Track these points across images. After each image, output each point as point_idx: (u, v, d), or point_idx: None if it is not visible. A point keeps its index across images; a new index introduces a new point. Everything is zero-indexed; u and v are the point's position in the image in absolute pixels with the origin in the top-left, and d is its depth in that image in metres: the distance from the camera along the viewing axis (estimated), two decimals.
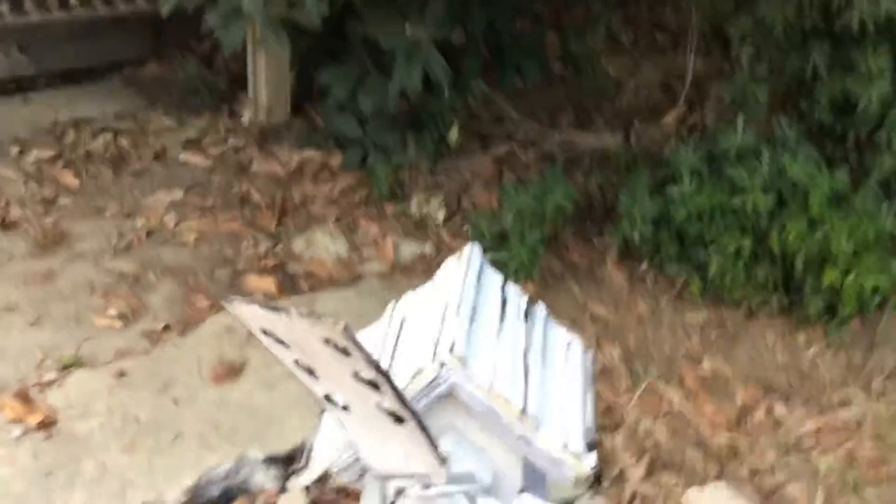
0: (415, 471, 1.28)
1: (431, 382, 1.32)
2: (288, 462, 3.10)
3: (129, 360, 3.34)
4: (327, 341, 1.04)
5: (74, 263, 3.85)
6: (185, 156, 4.65)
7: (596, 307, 3.81)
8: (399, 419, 1.17)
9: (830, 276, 3.52)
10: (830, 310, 3.62)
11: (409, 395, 1.27)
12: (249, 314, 1.07)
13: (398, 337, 1.48)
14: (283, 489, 3.05)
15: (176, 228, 4.13)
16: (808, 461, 3.17)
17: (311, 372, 1.15)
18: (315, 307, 3.73)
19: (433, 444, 1.22)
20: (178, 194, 4.36)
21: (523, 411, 1.35)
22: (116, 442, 2.98)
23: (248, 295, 3.82)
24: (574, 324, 3.61)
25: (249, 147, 4.70)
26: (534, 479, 1.49)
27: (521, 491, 1.44)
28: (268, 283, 3.88)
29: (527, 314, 1.57)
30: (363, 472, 1.42)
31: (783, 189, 3.64)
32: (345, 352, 1.06)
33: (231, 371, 3.34)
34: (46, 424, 2.98)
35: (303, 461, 1.45)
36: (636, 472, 3.11)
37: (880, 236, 3.54)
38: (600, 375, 3.54)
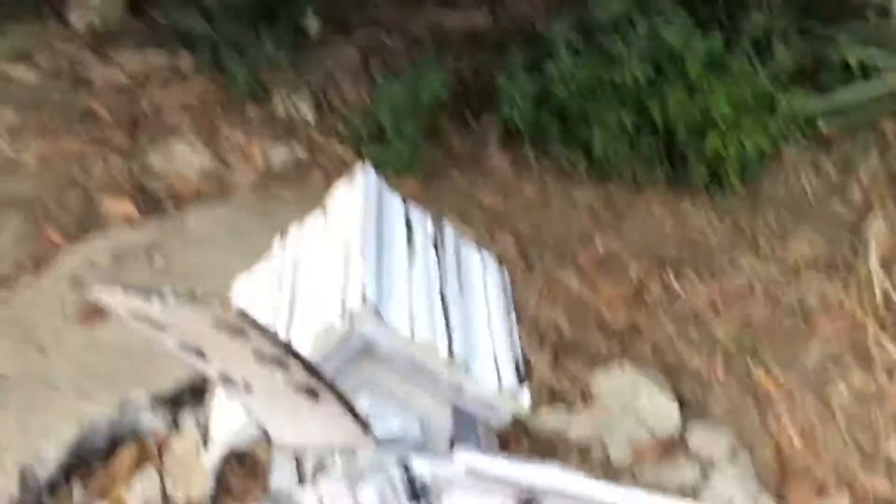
0: (335, 442, 1.10)
1: (343, 340, 1.13)
2: (175, 401, 2.88)
3: None
4: (217, 324, 0.83)
5: None
6: (10, 69, 4.13)
7: (483, 196, 3.67)
8: (312, 393, 0.99)
9: (713, 142, 3.48)
10: (714, 177, 3.60)
11: (317, 356, 1.09)
12: (115, 301, 0.85)
13: (293, 286, 1.28)
14: (174, 429, 2.85)
15: (13, 155, 3.69)
16: (707, 330, 3.19)
17: (199, 353, 0.94)
18: (186, 227, 3.44)
19: (354, 413, 1.05)
20: (9, 115, 3.89)
21: (450, 356, 1.18)
22: None
23: (106, 221, 3.49)
24: (462, 216, 3.47)
25: (85, 55, 4.22)
26: (462, 421, 1.34)
27: (452, 439, 1.30)
28: (126, 207, 3.54)
29: (434, 239, 1.39)
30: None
31: (660, 57, 3.54)
32: (240, 332, 0.85)
33: (98, 309, 3.04)
34: None
35: (200, 437, 1.25)
36: (541, 362, 3.05)
37: (758, 97, 3.51)
38: None
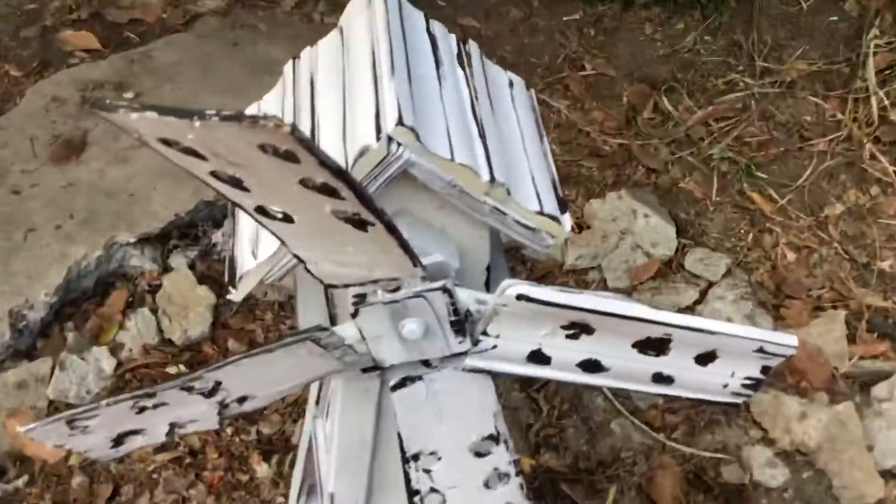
0: (381, 276, 1.03)
1: (380, 164, 1.04)
2: (164, 240, 2.80)
3: None
4: (264, 147, 0.73)
5: None
6: None
7: (465, 20, 3.49)
8: (361, 224, 0.91)
9: None
10: None
11: None
12: (143, 124, 0.74)
13: (314, 110, 1.17)
14: (165, 269, 2.78)
15: None
16: (701, 152, 3.13)
17: (237, 184, 0.85)
18: (153, 61, 3.24)
19: (405, 244, 0.97)
20: None
21: (492, 180, 1.10)
22: None
23: (66, 55, 3.28)
24: None
25: None
26: (496, 252, 1.28)
27: (488, 268, 1.24)
28: (88, 39, 3.32)
29: (460, 57, 1.28)
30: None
31: None
32: (290, 157, 0.75)
33: (71, 148, 2.90)
34: None
35: (226, 276, 1.18)
36: None
37: None
38: None
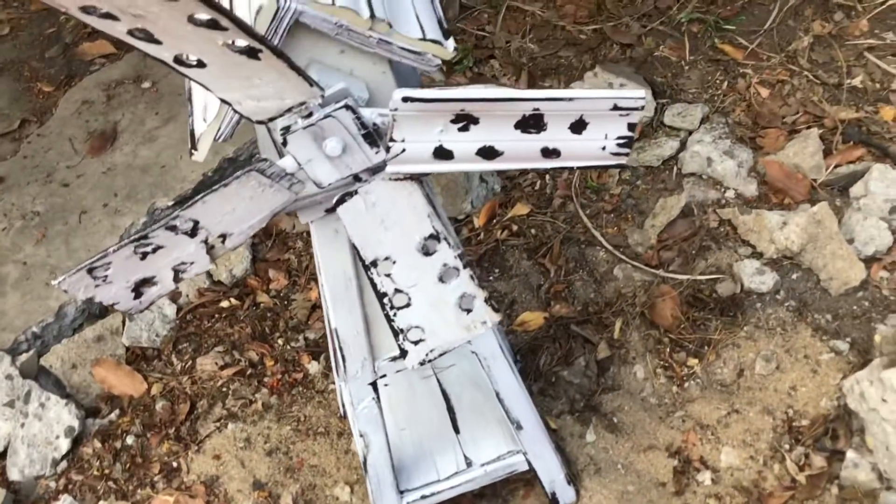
0: (291, 103, 1.32)
1: (275, 17, 1.31)
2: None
3: (1, 165, 3.24)
4: None
5: None
6: None
7: None
8: (254, 53, 1.19)
9: None
10: None
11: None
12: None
13: None
14: None
15: None
16: (671, 20, 3.31)
17: (150, 38, 1.14)
18: None
19: (297, 68, 1.25)
20: None
21: (372, 16, 1.36)
22: (26, 239, 2.96)
23: (87, 63, 3.65)
24: None
25: None
26: (406, 82, 1.54)
27: None
28: (104, 46, 3.68)
29: None
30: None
31: None
32: None
33: (105, 139, 3.27)
34: None
35: (189, 145, 1.47)
36: (520, 87, 3.22)
37: None
38: (461, 9, 3.55)
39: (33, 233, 2.98)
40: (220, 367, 2.68)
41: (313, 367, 2.65)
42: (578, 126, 1.41)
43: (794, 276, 2.54)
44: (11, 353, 2.65)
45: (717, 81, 3.10)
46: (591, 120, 1.41)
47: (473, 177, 2.94)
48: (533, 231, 2.84)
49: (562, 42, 3.39)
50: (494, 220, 2.90)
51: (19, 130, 3.41)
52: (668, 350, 2.49)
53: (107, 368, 2.70)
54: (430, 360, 1.67)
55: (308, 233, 3.03)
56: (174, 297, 2.91)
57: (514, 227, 2.85)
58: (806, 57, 3.07)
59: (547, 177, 2.98)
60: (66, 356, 2.69)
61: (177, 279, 1.50)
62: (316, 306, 2.81)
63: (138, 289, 1.49)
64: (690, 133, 2.92)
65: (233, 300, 2.86)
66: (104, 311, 2.91)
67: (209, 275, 2.94)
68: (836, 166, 2.72)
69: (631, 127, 1.42)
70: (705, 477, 2.25)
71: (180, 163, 3.14)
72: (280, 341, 2.73)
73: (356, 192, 1.47)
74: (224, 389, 2.64)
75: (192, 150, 1.46)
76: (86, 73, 3.59)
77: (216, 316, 2.83)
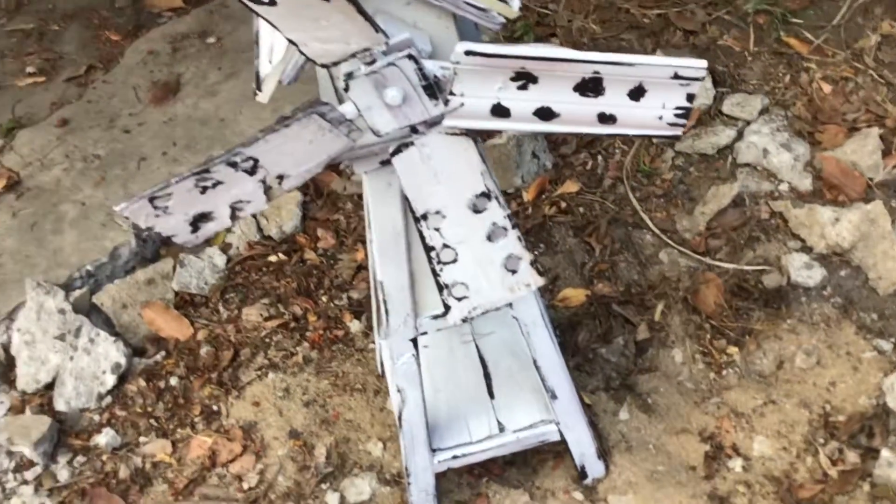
0: (356, 48, 1.34)
1: None
2: None
3: (66, 108, 3.32)
4: None
5: None
6: None
7: None
8: None
9: None
10: None
11: None
12: None
13: None
14: None
15: None
16: (737, 10, 3.28)
17: None
18: (229, 7, 3.64)
19: (365, 13, 1.28)
20: None
21: None
22: (86, 181, 3.05)
23: (155, 16, 3.72)
24: None
25: None
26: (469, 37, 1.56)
27: None
28: (174, 0, 3.76)
29: None
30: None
31: None
32: None
33: (168, 90, 3.34)
34: (12, 185, 3.03)
35: (254, 86, 1.51)
36: None
37: None
38: None
39: (93, 175, 3.06)
40: (265, 319, 2.74)
41: (355, 326, 2.69)
42: (637, 93, 1.42)
43: (843, 273, 2.52)
44: (65, 289, 2.73)
45: (780, 74, 3.07)
46: (650, 87, 1.42)
47: (525, 151, 2.96)
48: (581, 209, 2.85)
49: (624, 24, 3.37)
50: (543, 196, 2.91)
51: (85, 76, 3.49)
52: (708, 336, 2.49)
53: (156, 311, 2.77)
54: (471, 318, 1.69)
55: (358, 196, 3.07)
56: (225, 248, 2.98)
57: (563, 205, 2.86)
58: (872, 55, 3.02)
59: (599, 157, 2.99)
60: (117, 296, 2.76)
61: (233, 217, 1.55)
62: (361, 267, 2.86)
63: (196, 223, 1.54)
64: (748, 123, 2.90)
65: (281, 255, 2.92)
66: (156, 255, 2.98)
67: (259, 229, 3.00)
68: (894, 167, 2.68)
69: (690, 98, 1.43)
70: (736, 464, 2.26)
71: (239, 117, 3.20)
72: (324, 298, 2.78)
73: (412, 144, 1.50)
74: (267, 340, 2.69)
75: (257, 91, 1.50)
76: (153, 25, 3.66)
77: (264, 269, 2.89)
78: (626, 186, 2.87)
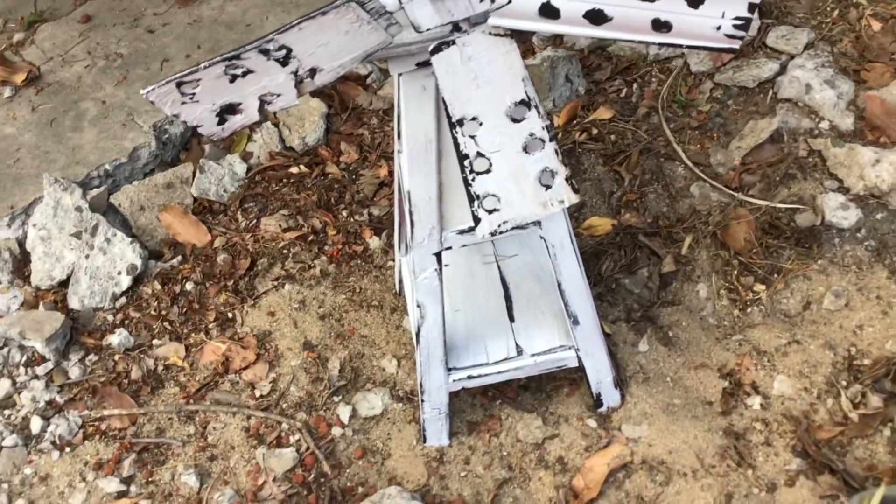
0: None
1: None
2: None
3: (90, 4, 3.24)
4: None
5: None
6: None
7: None
8: None
9: None
10: None
11: None
12: None
13: None
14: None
15: None
16: None
17: None
18: None
19: None
20: None
21: None
22: (107, 79, 2.98)
23: None
24: None
25: None
26: None
27: None
28: None
29: None
30: None
31: None
32: None
33: None
34: (32, 79, 2.97)
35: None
36: None
37: None
38: None
39: (115, 74, 2.99)
40: (283, 230, 2.70)
41: (374, 243, 2.64)
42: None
43: (879, 217, 2.45)
44: (83, 187, 2.69)
45: (828, 9, 2.95)
46: None
47: (559, 74, 2.87)
48: (612, 137, 2.77)
49: None
50: (574, 122, 2.83)
51: None
52: (735, 273, 2.43)
53: (173, 215, 2.73)
54: (500, 233, 1.64)
55: (384, 111, 3.00)
56: (246, 156, 2.92)
57: (594, 131, 2.78)
58: None
59: (634, 84, 2.89)
60: (135, 197, 2.72)
61: (262, 110, 1.49)
62: (383, 184, 2.80)
63: (223, 114, 1.48)
64: (792, 57, 2.80)
65: (302, 167, 2.86)
66: (176, 159, 2.93)
67: (281, 139, 2.94)
68: None
69: (752, 7, 1.35)
70: (755, 402, 2.22)
71: (265, 23, 3.11)
72: (344, 213, 2.73)
73: (453, 43, 1.43)
74: (284, 251, 2.65)
75: None
76: None
77: (284, 180, 2.84)
78: (661, 116, 2.78)
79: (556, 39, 3.02)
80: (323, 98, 2.99)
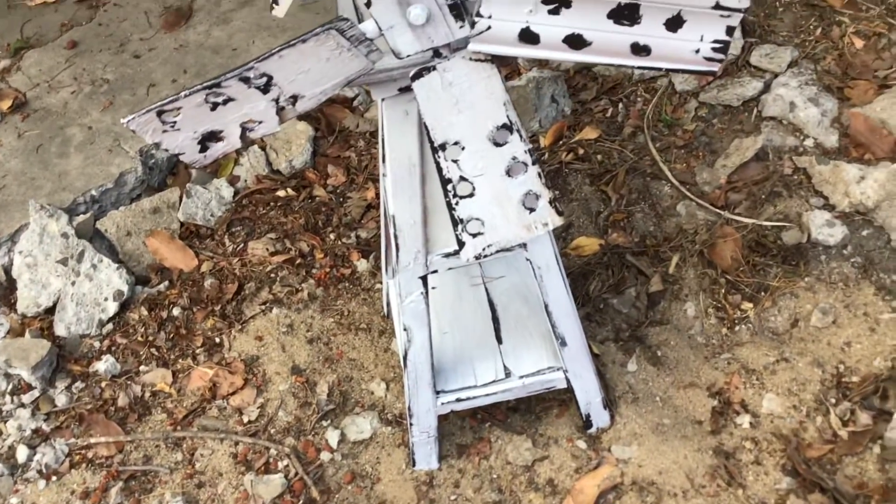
0: None
1: None
2: None
3: (76, 30, 3.25)
4: None
5: None
6: None
7: None
8: None
9: None
10: None
11: None
12: None
13: None
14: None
15: None
16: None
17: None
18: None
19: None
20: None
21: None
22: (93, 105, 2.98)
23: None
24: None
25: None
26: None
27: None
28: None
29: None
30: None
31: None
32: None
33: (180, 16, 3.25)
34: (19, 106, 2.97)
35: (270, 3, 1.44)
36: None
37: None
38: None
39: (101, 99, 2.99)
40: (271, 254, 2.69)
41: (362, 265, 2.64)
42: (674, 23, 1.35)
43: (865, 233, 2.45)
44: (69, 213, 2.68)
45: (811, 27, 2.97)
46: (689, 17, 1.34)
47: (544, 95, 2.88)
48: (599, 157, 2.78)
49: None
50: (561, 142, 2.84)
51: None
52: (722, 291, 2.43)
53: (160, 240, 2.73)
54: (485, 256, 1.64)
55: (371, 133, 3.00)
56: (233, 180, 2.92)
57: (580, 151, 2.79)
58: None
59: (619, 104, 2.90)
60: (121, 223, 2.71)
61: (244, 137, 1.48)
62: (371, 206, 2.80)
63: (205, 142, 1.48)
64: (776, 76, 2.81)
65: (289, 190, 2.86)
66: (163, 184, 2.93)
67: (269, 163, 2.94)
68: None
69: (730, 31, 1.35)
70: (744, 420, 2.22)
71: (251, 47, 3.12)
72: (332, 236, 2.73)
73: (434, 68, 1.43)
74: (272, 275, 2.65)
75: (274, 5, 1.42)
76: None
77: (271, 203, 2.83)
78: (647, 136, 2.79)
79: (542, 60, 3.03)
80: (310, 121, 2.99)
